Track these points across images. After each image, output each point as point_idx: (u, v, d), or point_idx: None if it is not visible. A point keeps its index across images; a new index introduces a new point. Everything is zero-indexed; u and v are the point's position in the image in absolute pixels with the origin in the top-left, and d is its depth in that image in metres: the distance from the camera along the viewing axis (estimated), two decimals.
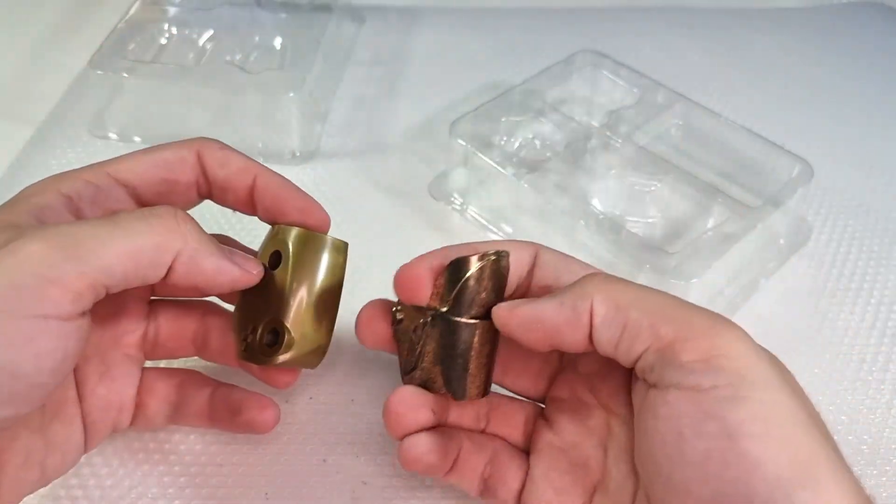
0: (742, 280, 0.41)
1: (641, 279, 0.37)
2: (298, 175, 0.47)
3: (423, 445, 0.28)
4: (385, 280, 0.28)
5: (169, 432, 0.34)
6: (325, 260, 0.30)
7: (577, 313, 0.25)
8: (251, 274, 0.28)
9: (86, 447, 0.29)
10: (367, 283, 0.33)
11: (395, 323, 0.29)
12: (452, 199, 0.46)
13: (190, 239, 0.26)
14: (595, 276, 0.26)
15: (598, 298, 0.25)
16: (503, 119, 0.46)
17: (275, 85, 0.46)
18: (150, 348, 0.31)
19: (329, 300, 0.30)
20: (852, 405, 0.36)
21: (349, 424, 0.34)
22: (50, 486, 0.31)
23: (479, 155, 0.43)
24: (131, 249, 0.24)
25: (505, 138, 0.47)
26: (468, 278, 0.27)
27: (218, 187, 0.30)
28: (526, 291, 0.29)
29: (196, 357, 0.33)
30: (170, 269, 0.25)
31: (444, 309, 0.27)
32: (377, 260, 0.42)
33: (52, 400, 0.27)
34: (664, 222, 0.44)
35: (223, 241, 0.30)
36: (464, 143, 0.43)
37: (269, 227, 0.31)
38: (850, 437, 0.35)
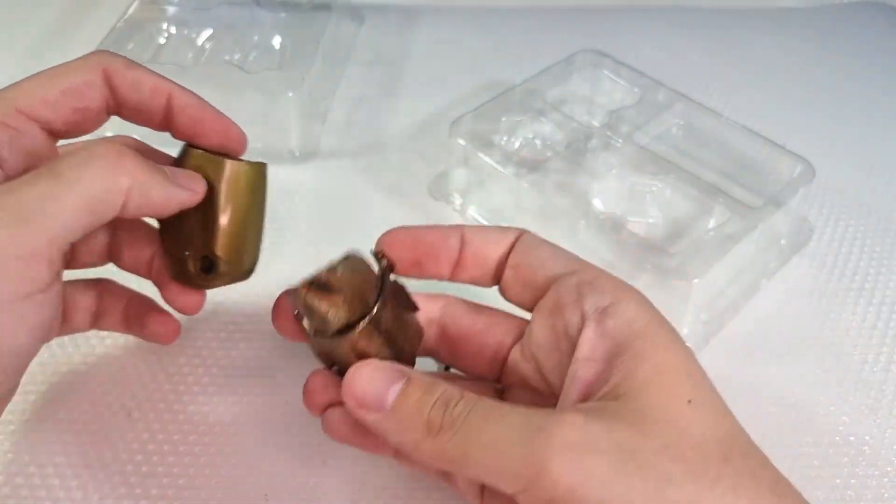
0: (743, 280, 0.41)
1: (642, 279, 0.36)
2: (298, 175, 0.47)
3: (337, 416, 0.28)
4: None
5: (168, 433, 0.33)
6: (248, 187, 0.31)
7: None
8: (198, 193, 0.29)
9: None
10: None
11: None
12: (452, 198, 0.46)
13: (137, 173, 0.25)
14: None
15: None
16: (503, 119, 0.46)
17: (274, 84, 0.46)
18: (69, 263, 0.31)
19: (255, 222, 0.32)
20: (853, 406, 0.36)
21: None
22: (47, 490, 0.31)
23: (480, 154, 0.42)
24: (85, 200, 0.24)
25: (505, 138, 0.47)
26: (306, 308, 0.27)
27: (129, 108, 0.29)
28: (500, 272, 0.29)
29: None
30: (121, 207, 0.25)
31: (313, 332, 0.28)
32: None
33: None
34: (665, 222, 0.44)
35: (139, 147, 0.31)
36: (464, 143, 0.43)
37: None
38: (851, 438, 0.35)
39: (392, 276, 0.29)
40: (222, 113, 0.30)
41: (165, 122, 0.29)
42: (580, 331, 0.25)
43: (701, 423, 0.22)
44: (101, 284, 0.33)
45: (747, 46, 0.62)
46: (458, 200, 0.46)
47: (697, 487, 0.21)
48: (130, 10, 0.52)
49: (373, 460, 0.33)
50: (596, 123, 0.47)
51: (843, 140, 0.53)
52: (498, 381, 0.31)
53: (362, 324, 0.27)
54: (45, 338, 0.25)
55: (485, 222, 0.44)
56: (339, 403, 0.27)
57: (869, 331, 0.40)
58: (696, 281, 0.36)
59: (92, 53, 0.28)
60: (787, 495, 0.22)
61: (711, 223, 0.42)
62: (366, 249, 0.42)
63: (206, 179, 0.30)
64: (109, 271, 0.33)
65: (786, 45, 0.62)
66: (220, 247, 0.30)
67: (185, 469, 0.32)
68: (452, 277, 0.30)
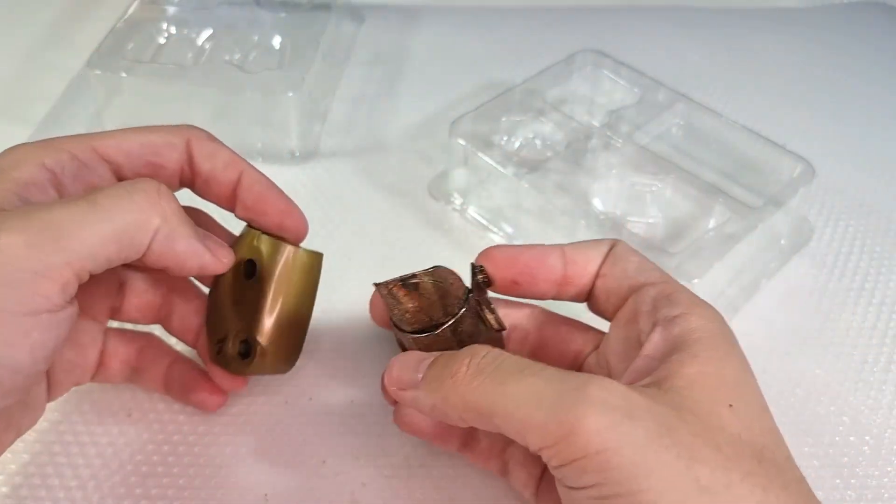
0: (743, 280, 0.41)
1: None
2: (297, 175, 0.47)
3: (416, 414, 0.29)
4: (385, 279, 0.28)
5: (168, 433, 0.33)
6: (300, 275, 0.30)
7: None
8: (221, 262, 0.28)
9: (48, 400, 0.29)
10: (368, 283, 0.33)
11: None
12: (452, 198, 0.46)
13: (169, 215, 0.25)
14: None
15: None
16: (503, 119, 0.46)
17: (274, 84, 0.46)
18: (115, 314, 0.32)
19: (302, 314, 0.31)
20: (854, 406, 0.36)
21: (349, 426, 0.34)
22: (47, 490, 0.31)
23: (480, 155, 0.42)
24: (112, 230, 0.24)
25: (505, 138, 0.47)
26: (391, 301, 0.28)
27: (202, 178, 0.30)
28: (591, 286, 0.29)
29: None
30: (146, 248, 0.25)
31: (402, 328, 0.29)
32: (377, 260, 0.42)
33: None
34: (665, 222, 0.44)
35: (198, 217, 0.31)
36: (464, 143, 0.43)
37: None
38: (851, 438, 0.35)
39: (486, 293, 0.30)
40: (288, 197, 0.31)
41: (232, 198, 0.30)
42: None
43: (738, 425, 0.22)
44: (144, 338, 0.33)
45: (747, 46, 0.62)
46: (458, 200, 0.46)
47: (728, 476, 0.21)
48: (130, 10, 0.52)
49: (372, 460, 0.33)
50: (596, 123, 0.47)
51: (844, 140, 0.53)
52: None
53: (434, 331, 0.28)
54: (49, 360, 0.24)
55: (485, 222, 0.44)
56: None
57: (869, 331, 0.40)
58: (696, 281, 0.36)
59: (182, 125, 0.30)
60: None
61: (711, 223, 0.42)
62: (365, 250, 0.42)
63: (258, 261, 0.29)
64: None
65: (786, 45, 0.62)
66: (263, 332, 0.29)
67: (185, 469, 0.32)
68: (558, 296, 0.30)
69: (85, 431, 0.33)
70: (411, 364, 0.26)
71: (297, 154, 0.49)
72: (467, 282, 0.29)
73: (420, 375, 0.26)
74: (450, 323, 0.28)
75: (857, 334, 0.40)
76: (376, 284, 0.29)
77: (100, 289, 0.30)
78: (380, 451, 0.33)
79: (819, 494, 0.23)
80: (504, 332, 0.30)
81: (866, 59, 0.61)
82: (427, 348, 0.28)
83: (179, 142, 0.29)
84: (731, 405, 0.23)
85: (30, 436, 0.33)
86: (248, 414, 0.35)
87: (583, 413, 0.21)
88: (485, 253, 0.29)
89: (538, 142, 0.47)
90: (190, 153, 0.29)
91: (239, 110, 0.48)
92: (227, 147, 0.30)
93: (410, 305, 0.28)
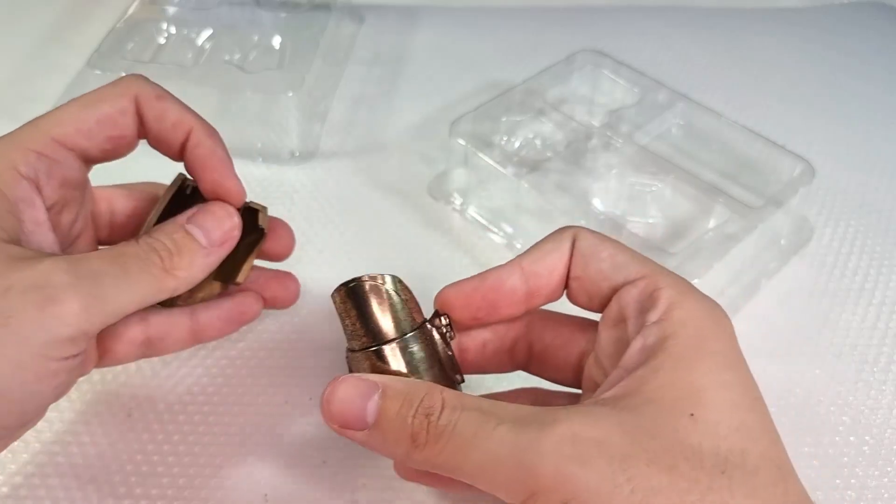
0: (743, 280, 0.41)
1: None
2: (297, 175, 0.47)
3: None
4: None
5: (168, 433, 0.33)
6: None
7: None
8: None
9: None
10: None
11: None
12: (452, 198, 0.46)
13: (181, 282, 0.28)
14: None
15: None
16: (503, 119, 0.46)
17: (274, 84, 0.46)
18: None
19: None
20: (854, 406, 0.36)
21: None
22: (46, 489, 0.31)
23: (479, 155, 0.42)
24: (140, 300, 0.27)
25: (505, 138, 0.47)
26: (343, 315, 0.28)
27: (152, 136, 0.30)
28: (563, 288, 0.28)
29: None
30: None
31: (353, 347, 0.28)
32: (377, 260, 0.42)
33: None
34: (665, 222, 0.44)
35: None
36: (464, 143, 0.43)
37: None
38: (851, 439, 0.35)
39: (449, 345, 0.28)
40: (226, 164, 0.30)
41: (180, 155, 0.30)
42: None
43: (699, 435, 0.22)
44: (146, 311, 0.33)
45: (748, 46, 0.62)
46: (458, 200, 0.46)
47: (683, 499, 0.21)
48: (130, 10, 0.52)
49: (372, 460, 0.33)
50: (596, 123, 0.47)
51: (844, 140, 0.53)
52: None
53: (379, 345, 0.27)
54: (68, 386, 0.27)
55: (485, 222, 0.44)
56: None
57: (869, 331, 0.40)
58: (696, 281, 0.36)
59: (126, 78, 0.29)
60: None
61: (711, 223, 0.42)
62: (365, 250, 0.41)
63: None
64: None
65: (786, 45, 0.62)
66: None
67: (185, 469, 0.32)
68: (530, 309, 0.29)
69: (85, 431, 0.33)
70: (355, 400, 0.24)
71: (297, 154, 0.49)
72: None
73: (370, 418, 0.24)
74: (395, 340, 0.26)
75: (857, 334, 0.40)
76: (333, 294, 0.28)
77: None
78: None
79: (819, 495, 0.23)
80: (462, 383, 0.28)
81: (866, 59, 0.61)
82: (371, 369, 0.26)
83: (129, 105, 0.29)
84: (691, 414, 0.22)
85: (29, 436, 0.33)
86: (248, 414, 0.35)
87: (540, 472, 0.21)
88: (439, 296, 0.28)
89: (538, 142, 0.47)
90: (140, 113, 0.29)
91: (239, 110, 0.48)
92: (176, 103, 0.30)
93: (355, 313, 0.27)
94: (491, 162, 0.42)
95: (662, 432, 0.22)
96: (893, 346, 0.39)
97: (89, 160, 0.29)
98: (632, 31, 0.63)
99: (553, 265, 0.28)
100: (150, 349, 0.33)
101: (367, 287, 0.27)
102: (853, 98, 0.57)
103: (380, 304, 0.27)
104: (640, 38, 0.62)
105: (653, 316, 0.25)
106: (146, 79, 0.30)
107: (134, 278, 0.26)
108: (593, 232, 0.28)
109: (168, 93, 0.30)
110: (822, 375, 0.37)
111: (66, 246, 0.30)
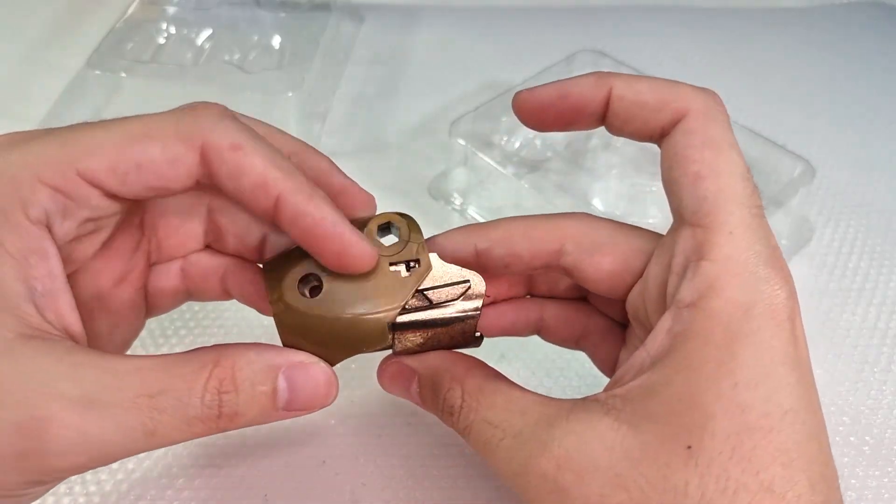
0: None
1: None
2: None
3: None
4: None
5: None
6: None
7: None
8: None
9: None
10: None
11: None
12: (452, 198, 0.46)
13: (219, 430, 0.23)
14: None
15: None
16: (503, 119, 0.46)
17: (273, 84, 0.46)
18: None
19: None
20: (854, 406, 0.36)
21: (348, 426, 0.34)
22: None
23: (480, 154, 0.42)
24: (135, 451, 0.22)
25: (505, 138, 0.47)
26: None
27: (228, 195, 0.23)
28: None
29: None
30: None
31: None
32: None
33: None
34: (665, 223, 0.43)
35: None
36: (464, 143, 0.43)
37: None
38: (852, 439, 0.35)
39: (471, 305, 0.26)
40: (346, 226, 0.24)
41: (271, 221, 0.24)
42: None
43: (688, 473, 0.20)
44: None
45: (748, 46, 0.62)
46: (458, 200, 0.46)
47: None
48: (130, 10, 0.52)
49: (372, 460, 0.33)
50: None
51: (844, 140, 0.53)
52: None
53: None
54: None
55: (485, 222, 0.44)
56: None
57: (870, 331, 0.40)
58: None
59: (197, 111, 0.23)
60: None
61: None
62: None
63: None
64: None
65: (786, 45, 0.62)
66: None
67: (185, 469, 0.32)
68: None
69: None
70: (401, 384, 0.27)
71: None
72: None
73: (417, 400, 0.27)
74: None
75: (858, 334, 0.40)
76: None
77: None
78: (380, 451, 0.33)
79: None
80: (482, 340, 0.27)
81: (866, 59, 0.61)
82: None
83: (188, 154, 0.22)
84: (689, 446, 0.20)
85: None
86: None
87: (530, 497, 0.22)
88: (515, 101, 0.26)
89: (538, 142, 0.47)
90: (208, 167, 0.22)
91: (239, 110, 0.47)
92: (261, 155, 0.23)
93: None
94: (491, 162, 0.42)
95: (650, 465, 0.20)
96: (893, 346, 0.39)
97: (122, 201, 0.23)
98: (632, 31, 0.63)
99: (637, 117, 0.25)
100: (189, 297, 0.28)
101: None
102: (853, 98, 0.57)
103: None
104: (640, 38, 0.62)
105: (686, 293, 0.21)
106: (225, 114, 0.24)
107: (154, 434, 0.21)
108: (713, 119, 0.24)
109: (251, 137, 0.23)
110: (823, 375, 0.37)
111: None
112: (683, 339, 0.21)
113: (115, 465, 0.32)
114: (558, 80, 0.25)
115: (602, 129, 0.27)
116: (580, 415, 0.22)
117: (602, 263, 0.25)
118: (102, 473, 0.32)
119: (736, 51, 0.61)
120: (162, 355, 0.22)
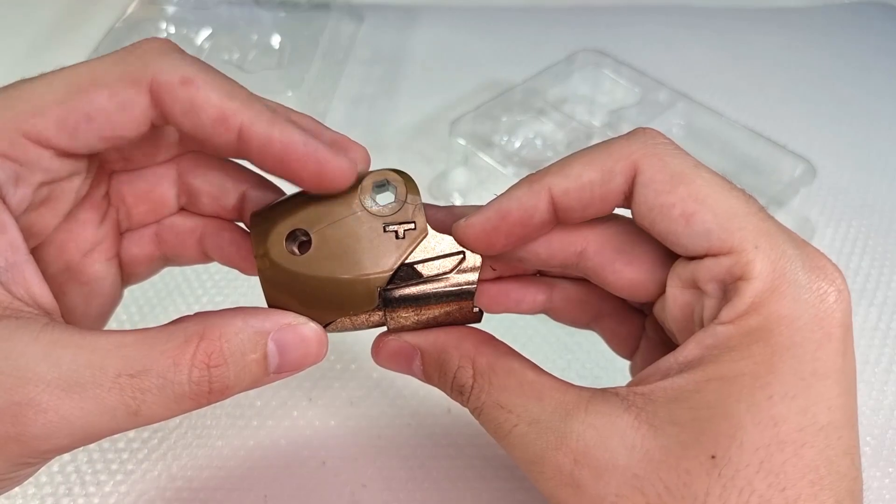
0: None
1: None
2: None
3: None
4: None
5: (166, 433, 0.33)
6: None
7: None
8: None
9: None
10: None
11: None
12: (452, 198, 0.46)
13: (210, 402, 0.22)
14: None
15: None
16: (504, 118, 0.46)
17: (273, 84, 0.46)
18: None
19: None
20: None
21: (348, 427, 0.34)
22: (52, 487, 0.31)
23: (480, 154, 0.42)
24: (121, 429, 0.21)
25: (506, 138, 0.47)
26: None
27: (187, 136, 0.23)
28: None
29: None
30: None
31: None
32: None
33: None
34: None
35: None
36: (464, 143, 0.43)
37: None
38: None
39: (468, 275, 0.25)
40: (317, 143, 0.22)
41: (237, 154, 0.22)
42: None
43: (708, 483, 0.19)
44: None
45: (749, 46, 0.62)
46: (458, 200, 0.46)
47: None
48: (130, 10, 0.52)
49: (372, 461, 0.33)
50: (597, 123, 0.47)
51: (845, 140, 0.53)
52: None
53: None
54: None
55: None
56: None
57: (870, 331, 0.40)
58: None
59: (142, 48, 0.21)
60: None
61: None
62: None
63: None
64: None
65: (787, 45, 0.62)
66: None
67: (185, 470, 0.32)
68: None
69: None
70: (400, 362, 0.25)
71: None
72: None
73: (419, 375, 0.25)
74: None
75: (858, 334, 0.40)
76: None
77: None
78: (379, 451, 0.33)
79: None
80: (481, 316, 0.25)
81: (866, 59, 0.61)
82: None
83: (137, 97, 0.21)
84: (712, 456, 0.19)
85: None
86: (248, 416, 0.34)
87: (542, 487, 0.22)
88: (456, 234, 0.24)
89: (539, 142, 0.47)
90: (161, 107, 0.21)
91: None
92: (216, 87, 0.21)
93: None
94: (491, 162, 0.42)
95: (671, 470, 0.20)
96: (894, 346, 0.39)
97: (77, 158, 0.22)
98: (633, 30, 0.63)
99: (591, 200, 0.22)
100: (167, 263, 0.28)
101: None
102: (854, 98, 0.57)
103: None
104: (641, 38, 0.62)
105: (726, 313, 0.20)
106: (170, 48, 0.21)
107: (140, 409, 0.20)
108: (663, 157, 0.22)
109: (202, 69, 0.21)
110: None
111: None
112: (719, 352, 0.20)
113: (114, 466, 0.32)
114: (491, 201, 0.23)
115: (604, 129, 0.26)
116: (600, 407, 0.21)
117: (624, 272, 0.24)
118: (102, 474, 0.32)
119: (736, 51, 0.61)
120: (143, 329, 0.20)
